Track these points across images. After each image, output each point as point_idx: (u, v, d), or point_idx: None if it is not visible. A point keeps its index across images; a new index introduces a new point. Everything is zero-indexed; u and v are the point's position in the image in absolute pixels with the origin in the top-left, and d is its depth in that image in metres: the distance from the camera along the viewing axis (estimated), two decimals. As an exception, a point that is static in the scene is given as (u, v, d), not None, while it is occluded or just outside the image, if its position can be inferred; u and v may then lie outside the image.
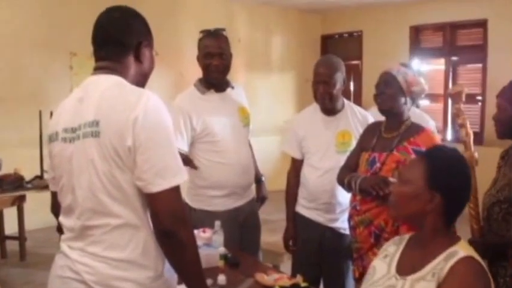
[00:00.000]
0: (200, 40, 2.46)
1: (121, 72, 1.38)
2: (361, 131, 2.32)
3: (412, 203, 1.31)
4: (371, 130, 2.19)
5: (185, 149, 2.36)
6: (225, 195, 2.44)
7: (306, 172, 2.48)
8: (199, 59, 2.46)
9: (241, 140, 2.52)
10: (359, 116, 2.45)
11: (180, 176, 1.29)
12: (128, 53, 1.40)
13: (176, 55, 5.82)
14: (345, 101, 2.50)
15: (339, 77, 2.36)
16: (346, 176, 2.14)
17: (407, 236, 1.43)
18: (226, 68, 2.44)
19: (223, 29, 2.47)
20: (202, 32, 2.47)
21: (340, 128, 2.42)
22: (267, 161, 5.93)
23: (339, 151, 2.37)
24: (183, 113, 2.36)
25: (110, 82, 1.35)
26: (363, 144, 2.17)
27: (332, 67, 2.37)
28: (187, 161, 2.29)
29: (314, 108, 2.51)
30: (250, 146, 2.63)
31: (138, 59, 1.41)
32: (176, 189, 1.27)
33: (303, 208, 2.50)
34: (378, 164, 2.02)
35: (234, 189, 2.46)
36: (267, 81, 7.29)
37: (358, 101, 6.91)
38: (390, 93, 2.02)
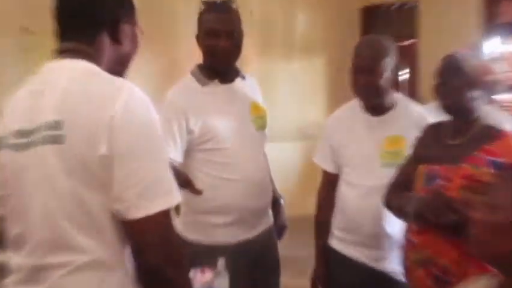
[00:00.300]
0: (201, 14, 2.48)
1: (93, 56, 1.40)
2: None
3: (504, 238, 1.27)
4: (430, 134, 2.19)
5: (178, 159, 2.37)
6: (232, 223, 2.45)
7: (343, 192, 2.48)
8: (199, 39, 2.49)
9: (255, 148, 2.53)
10: (416, 117, 2.44)
11: (172, 197, 1.30)
12: (102, 30, 1.42)
13: (170, 36, 5.84)
14: (397, 95, 2.50)
15: (389, 63, 2.36)
16: (396, 196, 2.14)
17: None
18: (236, 50, 2.46)
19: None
20: (203, 3, 2.48)
21: (389, 132, 2.42)
22: (287, 176, 5.85)
23: (388, 164, 2.37)
24: (177, 111, 2.38)
25: (78, 69, 1.36)
26: (420, 153, 2.16)
27: (378, 50, 2.36)
28: (185, 181, 2.28)
29: (354, 105, 2.52)
30: (265, 156, 2.65)
31: (115, 38, 1.43)
32: (166, 215, 1.29)
33: (338, 241, 2.50)
34: (439, 180, 2.03)
35: (244, 214, 2.45)
36: (288, 69, 7.26)
37: (412, 94, 6.81)
38: (456, 84, 2.03)
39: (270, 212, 2.64)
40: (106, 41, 1.42)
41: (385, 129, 2.42)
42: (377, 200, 2.28)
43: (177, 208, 2.33)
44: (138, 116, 1.29)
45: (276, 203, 2.69)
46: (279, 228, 2.69)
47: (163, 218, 1.28)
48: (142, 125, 1.29)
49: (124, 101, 1.28)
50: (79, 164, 1.26)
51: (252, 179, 2.46)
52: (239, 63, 2.57)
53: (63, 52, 1.40)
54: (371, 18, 7.92)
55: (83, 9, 1.40)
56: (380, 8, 7.86)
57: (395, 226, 2.33)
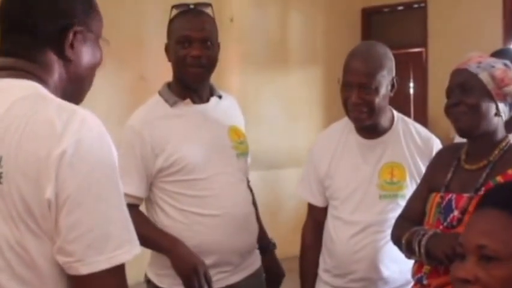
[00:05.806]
0: (172, 21, 2.49)
1: (38, 74, 1.37)
2: (420, 162, 2.36)
3: None
4: (445, 158, 2.17)
5: (140, 194, 2.39)
6: (211, 266, 2.40)
7: (332, 229, 2.49)
8: (169, 48, 2.48)
9: (236, 178, 2.51)
10: (417, 139, 2.47)
11: (127, 249, 1.29)
12: (45, 44, 1.38)
13: (136, 48, 5.86)
14: (395, 114, 2.52)
15: (385, 77, 2.37)
16: (405, 231, 2.10)
17: None
18: (211, 62, 2.45)
19: (208, 4, 2.51)
20: (175, 7, 2.49)
21: (386, 158, 2.43)
22: (277, 210, 5.85)
23: (385, 196, 2.40)
24: (140, 138, 2.38)
25: (20, 93, 1.33)
26: (433, 181, 2.15)
27: (373, 61, 2.36)
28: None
29: (345, 126, 2.53)
30: (249, 187, 2.63)
31: (63, 54, 1.40)
32: (118, 271, 1.28)
33: (326, 286, 2.51)
34: (456, 212, 2.00)
35: (225, 256, 2.43)
36: (278, 84, 7.26)
37: (422, 111, 6.95)
38: (471, 102, 2.00)
39: (257, 253, 2.62)
40: (51, 57, 1.40)
41: (381, 154, 2.44)
42: (373, 239, 2.33)
43: None
44: (92, 153, 1.27)
45: (266, 248, 2.69)
46: (273, 278, 2.69)
47: (115, 275, 1.27)
48: (96, 164, 1.27)
49: (76, 134, 1.25)
50: (21, 208, 1.24)
51: (234, 214, 2.43)
52: (216, 79, 2.58)
53: (1, 71, 1.37)
54: (373, 22, 8.00)
55: (19, 19, 1.38)
56: (382, 10, 7.91)
57: (394, 269, 2.36)
